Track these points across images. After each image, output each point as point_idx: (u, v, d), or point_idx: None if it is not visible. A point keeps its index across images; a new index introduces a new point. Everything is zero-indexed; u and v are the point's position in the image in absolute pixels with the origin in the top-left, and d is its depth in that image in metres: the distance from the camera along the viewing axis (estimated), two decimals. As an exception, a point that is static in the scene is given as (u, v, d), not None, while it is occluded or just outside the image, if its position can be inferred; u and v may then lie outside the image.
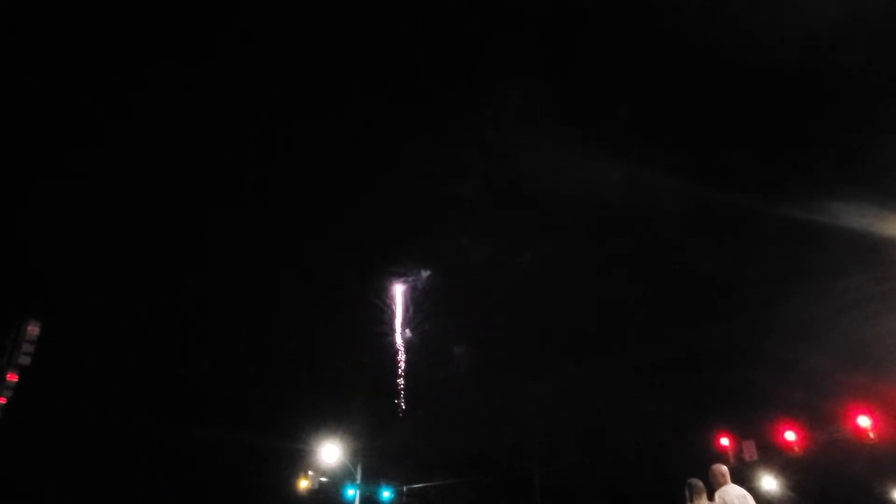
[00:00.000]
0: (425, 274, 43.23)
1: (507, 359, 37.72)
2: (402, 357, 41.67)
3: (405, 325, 42.51)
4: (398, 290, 43.31)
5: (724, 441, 19.58)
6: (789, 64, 28.90)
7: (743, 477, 18.88)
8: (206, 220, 38.70)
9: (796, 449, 17.56)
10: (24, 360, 13.44)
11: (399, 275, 43.40)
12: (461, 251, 42.74)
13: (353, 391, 33.98)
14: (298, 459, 25.07)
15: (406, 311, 42.94)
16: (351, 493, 23.99)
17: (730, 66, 31.27)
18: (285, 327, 36.95)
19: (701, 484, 7.79)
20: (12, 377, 13.27)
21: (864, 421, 16.07)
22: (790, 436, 17.59)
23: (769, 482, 23.29)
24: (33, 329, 13.67)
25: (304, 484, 23.41)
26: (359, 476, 24.52)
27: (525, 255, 38.96)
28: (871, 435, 15.97)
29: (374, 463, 27.44)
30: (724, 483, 7.81)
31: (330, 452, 23.05)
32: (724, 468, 8.01)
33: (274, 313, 37.36)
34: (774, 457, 19.71)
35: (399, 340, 42.36)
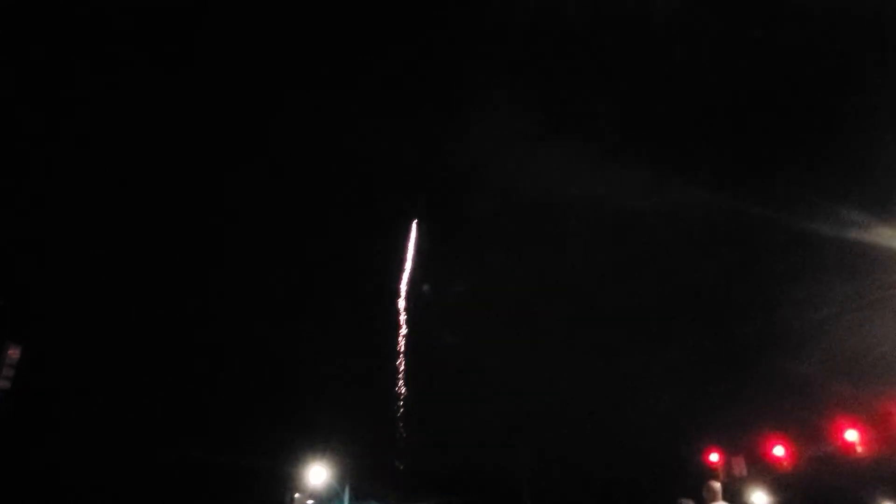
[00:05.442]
0: (426, 287, 43.04)
1: (496, 374, 37.59)
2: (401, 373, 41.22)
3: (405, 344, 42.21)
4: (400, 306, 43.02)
5: (714, 457, 19.60)
6: (785, 68, 29.23)
7: (734, 492, 18.85)
8: (195, 237, 38.37)
9: (785, 464, 17.61)
10: (4, 384, 13.22)
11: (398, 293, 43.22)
12: (452, 263, 42.59)
13: (343, 409, 33.65)
14: (285, 480, 24.78)
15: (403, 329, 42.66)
16: (339, 514, 23.73)
17: (725, 69, 31.59)
18: (272, 346, 36.56)
19: None
20: (-9, 402, 13.03)
21: (851, 435, 16.15)
22: (779, 451, 17.64)
23: (760, 497, 23.32)
24: (14, 352, 13.46)
25: (291, 506, 23.11)
26: (346, 497, 24.25)
27: (509, 267, 38.91)
28: (859, 449, 16.04)
29: (362, 483, 27.17)
30: (713, 500, 7.79)
31: (317, 474, 22.80)
32: (716, 485, 8.00)
33: (262, 328, 36.94)
34: (764, 472, 19.73)
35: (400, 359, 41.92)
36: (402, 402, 39.36)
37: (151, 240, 35.49)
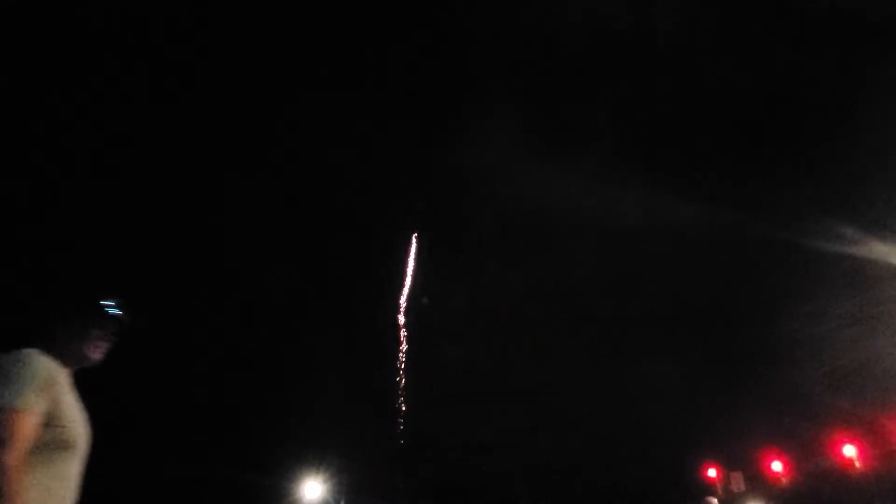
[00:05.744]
0: (425, 299, 42.84)
1: (495, 384, 37.41)
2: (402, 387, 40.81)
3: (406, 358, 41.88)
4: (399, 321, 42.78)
5: (712, 472, 19.48)
6: (786, 83, 29.26)
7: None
8: (193, 244, 38.09)
9: (783, 479, 17.51)
10: None
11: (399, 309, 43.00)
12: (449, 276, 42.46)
13: (341, 423, 33.41)
14: (279, 495, 24.53)
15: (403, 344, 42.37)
16: (334, 530, 23.46)
17: (725, 83, 31.61)
18: (269, 357, 36.31)
19: None
20: None
21: (849, 450, 16.07)
22: (777, 466, 17.55)
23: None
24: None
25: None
26: (342, 513, 24.04)
27: (508, 278, 38.77)
28: (857, 464, 15.97)
29: (359, 498, 26.94)
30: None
31: (312, 489, 22.60)
32: (714, 501, 8.00)
33: (259, 338, 36.59)
34: (762, 487, 19.59)
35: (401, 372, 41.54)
36: (402, 419, 39.16)
37: (150, 243, 35.34)
